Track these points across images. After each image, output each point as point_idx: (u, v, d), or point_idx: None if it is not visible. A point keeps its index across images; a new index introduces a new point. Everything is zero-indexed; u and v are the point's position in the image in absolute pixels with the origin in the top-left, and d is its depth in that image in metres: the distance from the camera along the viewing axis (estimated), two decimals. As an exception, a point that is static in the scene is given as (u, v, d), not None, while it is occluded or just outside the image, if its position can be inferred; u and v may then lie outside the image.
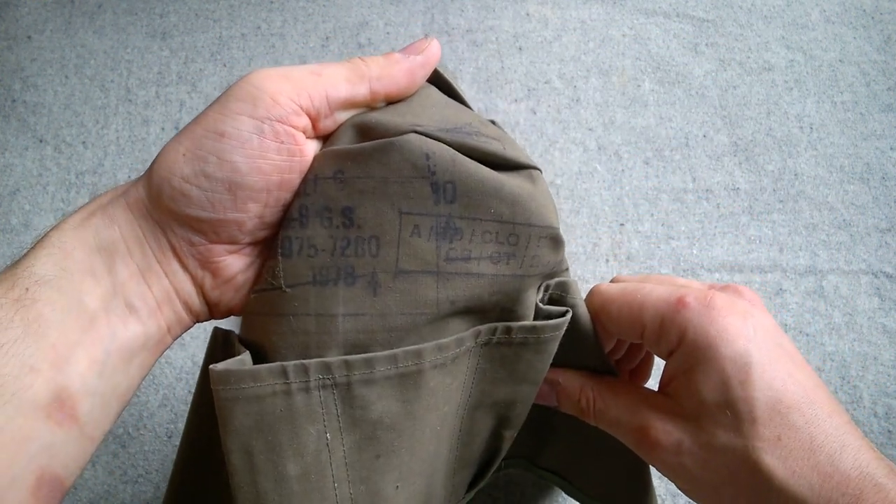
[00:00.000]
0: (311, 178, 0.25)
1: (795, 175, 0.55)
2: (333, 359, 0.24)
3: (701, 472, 0.26)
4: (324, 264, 0.25)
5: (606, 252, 0.52)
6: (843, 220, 0.53)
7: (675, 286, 0.29)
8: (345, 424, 0.25)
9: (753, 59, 0.60)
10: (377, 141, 0.24)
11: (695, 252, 0.52)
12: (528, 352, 0.29)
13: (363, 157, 0.24)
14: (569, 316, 0.28)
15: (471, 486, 0.34)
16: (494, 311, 0.28)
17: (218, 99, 0.24)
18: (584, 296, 0.31)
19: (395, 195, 0.24)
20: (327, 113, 0.24)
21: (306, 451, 0.24)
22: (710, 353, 0.25)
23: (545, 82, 0.59)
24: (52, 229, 0.23)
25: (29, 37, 0.62)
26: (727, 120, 0.57)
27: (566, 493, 0.39)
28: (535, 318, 0.29)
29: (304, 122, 0.24)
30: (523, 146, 0.56)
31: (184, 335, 0.49)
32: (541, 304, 0.29)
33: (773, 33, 0.61)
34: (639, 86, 0.58)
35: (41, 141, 0.57)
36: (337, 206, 0.24)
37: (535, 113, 0.57)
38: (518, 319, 0.28)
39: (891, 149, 0.56)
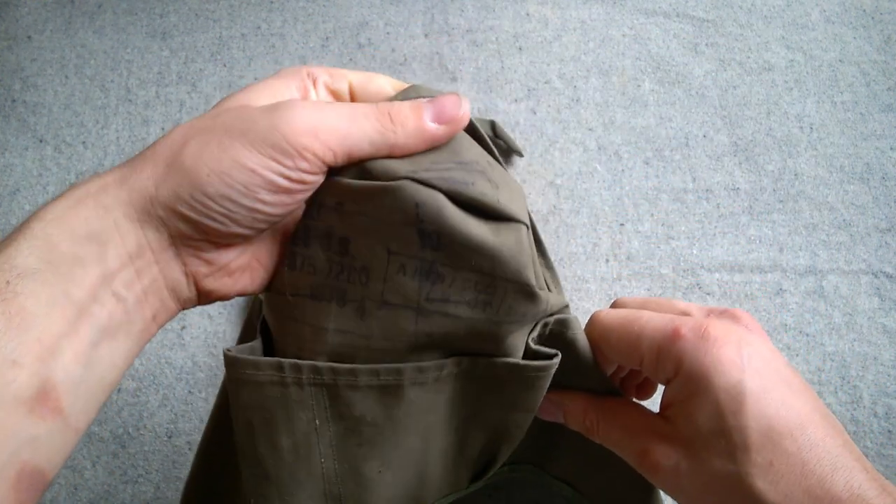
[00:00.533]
0: (316, 204, 0.27)
1: (795, 175, 0.55)
2: (322, 364, 0.28)
3: (698, 494, 0.27)
4: (320, 283, 0.27)
5: (606, 252, 0.52)
6: (843, 220, 0.53)
7: (673, 313, 0.30)
8: (332, 415, 0.29)
9: (753, 59, 0.60)
10: (374, 183, 0.26)
11: (695, 252, 0.52)
12: (515, 383, 0.30)
13: (361, 197, 0.26)
14: (557, 360, 0.30)
15: (473, 480, 0.35)
16: (474, 346, 0.29)
17: (243, 130, 0.24)
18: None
19: (385, 235, 0.26)
20: (344, 164, 0.26)
21: (297, 430, 0.28)
22: (704, 383, 0.26)
23: (545, 82, 0.59)
24: (32, 218, 0.23)
25: (29, 37, 0.62)
26: (727, 120, 0.57)
27: (577, 503, 0.39)
28: (524, 357, 0.30)
29: (324, 168, 0.26)
30: (523, 146, 0.56)
31: (184, 335, 0.49)
32: (531, 344, 0.30)
33: (773, 33, 0.61)
34: (639, 86, 0.58)
35: (41, 141, 0.58)
36: (335, 235, 0.27)
37: (535, 113, 0.57)
38: (500, 356, 0.30)
39: (891, 149, 0.56)
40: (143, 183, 0.24)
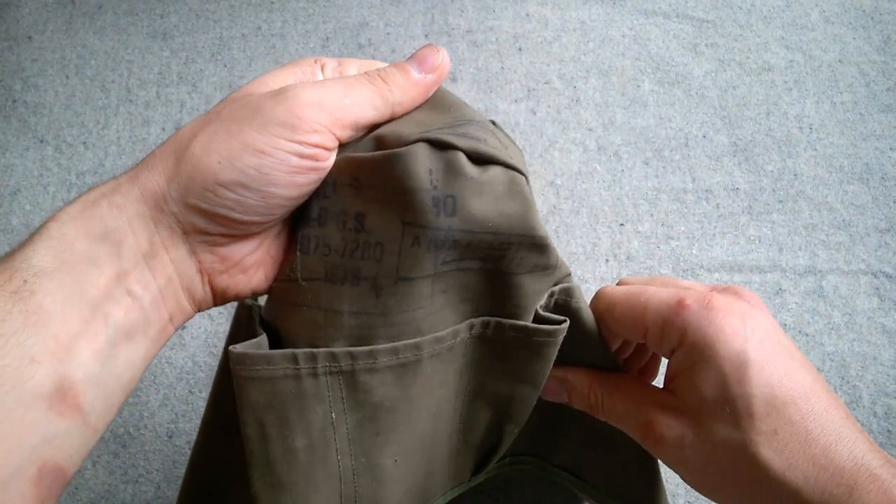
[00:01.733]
0: (331, 182, 0.27)
1: (795, 175, 0.55)
2: (339, 349, 0.27)
3: (703, 464, 0.27)
4: (335, 263, 0.27)
5: (606, 252, 0.52)
6: (843, 221, 0.53)
7: (677, 288, 0.30)
8: (348, 406, 0.28)
9: (753, 59, 0.60)
10: (386, 152, 0.26)
11: (694, 252, 0.52)
12: (522, 352, 0.30)
13: (375, 168, 0.26)
14: (565, 326, 0.30)
15: (475, 471, 0.35)
16: (486, 301, 0.29)
17: (251, 115, 0.25)
18: (588, 298, 0.32)
19: (399, 206, 0.26)
20: (353, 135, 0.27)
21: (313, 427, 0.27)
22: (708, 352, 0.27)
23: (545, 82, 0.59)
24: (50, 220, 0.23)
25: (30, 37, 0.62)
26: (727, 120, 0.57)
27: (580, 491, 0.39)
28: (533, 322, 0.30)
29: (335, 143, 0.26)
30: (523, 147, 0.56)
31: (184, 335, 0.50)
32: (540, 311, 0.30)
33: (773, 34, 0.61)
34: (638, 86, 0.58)
35: (42, 141, 0.58)
36: (352, 211, 0.26)
37: (534, 113, 0.57)
38: (511, 317, 0.30)
39: (890, 149, 0.56)
40: (154, 179, 0.24)
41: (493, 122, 0.32)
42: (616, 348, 0.33)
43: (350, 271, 0.27)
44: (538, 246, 0.28)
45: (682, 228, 0.53)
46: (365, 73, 0.27)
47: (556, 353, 0.30)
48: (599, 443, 0.36)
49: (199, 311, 0.27)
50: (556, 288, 0.31)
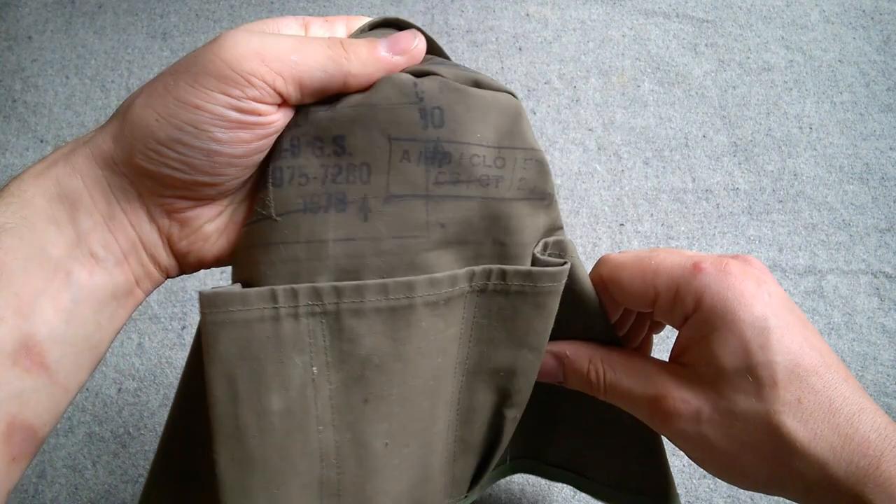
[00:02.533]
0: (304, 112, 0.25)
1: (795, 175, 0.55)
2: (323, 284, 0.24)
3: (720, 440, 0.25)
4: (315, 192, 0.25)
5: (606, 252, 0.52)
6: (843, 220, 0.53)
7: (687, 254, 0.28)
8: (332, 359, 0.25)
9: (753, 59, 0.60)
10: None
11: (694, 252, 0.52)
12: (527, 305, 0.28)
13: (356, 93, 0.25)
14: (567, 267, 0.28)
15: (473, 480, 0.33)
16: (487, 245, 0.27)
17: (187, 67, 0.23)
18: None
19: (384, 122, 0.25)
20: (298, 97, 0.24)
21: (291, 384, 0.24)
22: (728, 317, 0.25)
23: (545, 82, 0.59)
24: (11, 179, 0.23)
25: (29, 37, 0.62)
26: (727, 120, 0.57)
27: (579, 488, 0.37)
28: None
29: (276, 99, 0.24)
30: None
31: (184, 335, 0.49)
32: (538, 255, 0.28)
33: (773, 34, 0.61)
34: (638, 86, 0.58)
35: (42, 141, 0.58)
36: (328, 135, 0.25)
37: (534, 113, 0.57)
38: (512, 262, 0.28)
39: (890, 149, 0.56)
40: (103, 139, 0.23)
41: None
42: (615, 321, 0.31)
43: (334, 196, 0.25)
44: (536, 161, 0.27)
45: (682, 228, 0.53)
46: (328, 37, 0.26)
47: (557, 305, 0.28)
48: (596, 431, 0.35)
49: (168, 277, 0.26)
50: (550, 240, 0.29)
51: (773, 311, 0.25)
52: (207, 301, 0.23)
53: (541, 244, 0.29)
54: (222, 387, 0.23)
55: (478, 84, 0.26)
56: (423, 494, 0.29)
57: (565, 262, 0.28)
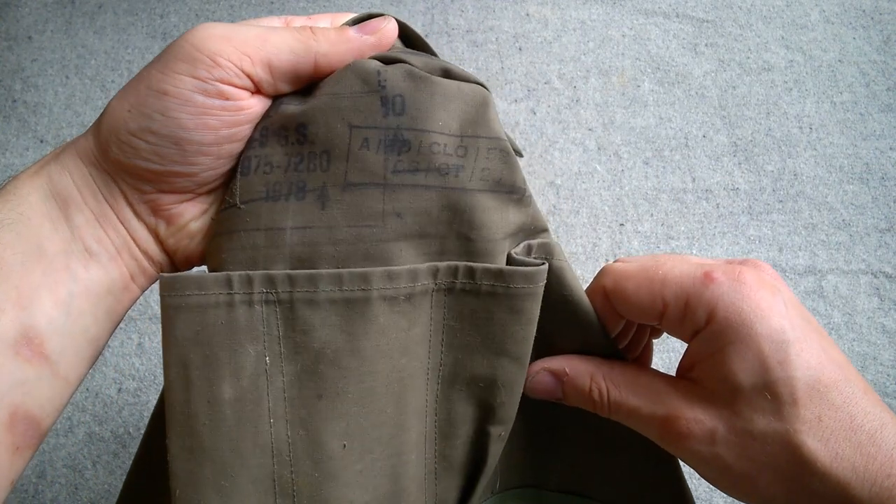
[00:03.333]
0: (277, 104, 0.25)
1: (795, 175, 0.55)
2: (278, 272, 0.24)
3: (736, 461, 0.24)
4: (277, 180, 0.25)
5: (606, 252, 0.52)
6: (843, 220, 0.53)
7: (695, 262, 0.27)
8: (286, 350, 0.24)
9: (753, 59, 0.60)
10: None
11: (694, 252, 0.52)
12: (501, 309, 0.27)
13: (321, 82, 0.25)
14: (545, 267, 0.26)
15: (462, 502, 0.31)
16: (451, 240, 0.26)
17: (159, 56, 0.24)
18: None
19: (345, 109, 0.25)
20: (270, 81, 0.24)
21: (243, 372, 0.24)
22: (744, 331, 0.24)
23: (545, 82, 0.59)
24: (9, 179, 0.24)
25: (29, 37, 0.62)
26: (727, 120, 0.57)
27: None
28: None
29: (247, 83, 0.24)
30: (523, 146, 0.56)
31: (184, 335, 0.50)
32: (514, 254, 0.27)
33: (773, 34, 0.61)
34: (638, 86, 0.58)
35: (42, 141, 0.58)
36: (292, 124, 0.25)
37: (534, 113, 0.57)
38: (482, 260, 0.26)
39: (890, 149, 0.56)
40: (86, 141, 0.24)
41: None
42: (616, 334, 0.29)
43: (294, 185, 0.25)
44: (500, 151, 0.26)
45: (682, 228, 0.53)
46: (298, 27, 0.26)
47: (537, 310, 0.27)
48: (601, 447, 0.32)
49: (162, 272, 0.26)
50: (535, 242, 0.28)
51: (791, 323, 0.24)
52: (166, 284, 0.23)
53: (523, 246, 0.28)
54: (176, 371, 0.23)
55: (447, 73, 0.26)
56: None
57: (543, 263, 0.27)
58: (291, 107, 0.25)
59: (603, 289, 0.28)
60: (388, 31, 0.26)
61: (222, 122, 0.24)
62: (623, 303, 0.27)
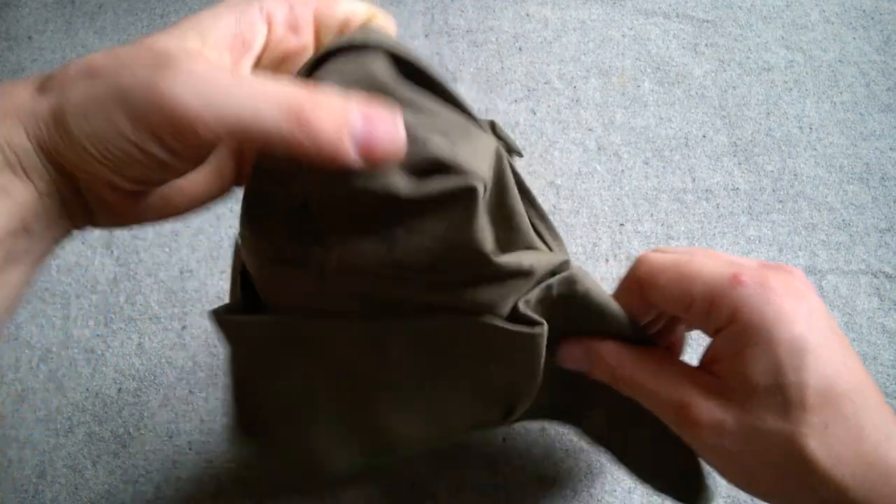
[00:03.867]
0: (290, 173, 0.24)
1: (795, 175, 0.55)
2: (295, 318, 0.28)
3: (741, 454, 0.25)
4: (281, 247, 0.26)
5: (606, 252, 0.52)
6: (843, 221, 0.53)
7: (727, 261, 0.28)
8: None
9: (753, 59, 0.60)
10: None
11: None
12: (495, 348, 0.28)
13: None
14: (542, 332, 0.27)
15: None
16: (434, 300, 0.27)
17: (126, 88, 0.20)
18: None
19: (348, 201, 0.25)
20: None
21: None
22: (764, 335, 0.25)
23: (545, 82, 0.59)
24: None
25: (30, 37, 0.62)
26: (727, 120, 0.57)
27: (621, 458, 0.36)
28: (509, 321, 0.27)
29: (218, 142, 0.22)
30: (523, 146, 0.56)
31: (184, 335, 0.49)
32: (521, 308, 0.27)
33: (773, 34, 0.61)
34: (639, 86, 0.59)
35: (42, 141, 0.58)
36: (296, 201, 0.25)
37: (534, 113, 0.57)
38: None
39: (890, 149, 0.56)
40: (38, 105, 0.21)
41: (493, 123, 0.31)
42: (646, 322, 0.31)
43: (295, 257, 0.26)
44: (480, 261, 0.24)
45: (682, 228, 0.53)
46: (289, 91, 0.20)
47: (541, 355, 0.28)
48: (626, 417, 0.33)
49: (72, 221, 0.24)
50: (555, 281, 0.28)
51: (812, 330, 0.24)
52: (217, 318, 0.28)
53: (540, 289, 0.28)
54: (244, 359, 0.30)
55: (438, 162, 0.23)
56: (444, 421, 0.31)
57: (540, 323, 0.27)
58: (297, 185, 0.25)
59: (637, 276, 0.29)
60: (394, 152, 0.22)
61: (186, 170, 0.23)
62: (653, 294, 0.28)
